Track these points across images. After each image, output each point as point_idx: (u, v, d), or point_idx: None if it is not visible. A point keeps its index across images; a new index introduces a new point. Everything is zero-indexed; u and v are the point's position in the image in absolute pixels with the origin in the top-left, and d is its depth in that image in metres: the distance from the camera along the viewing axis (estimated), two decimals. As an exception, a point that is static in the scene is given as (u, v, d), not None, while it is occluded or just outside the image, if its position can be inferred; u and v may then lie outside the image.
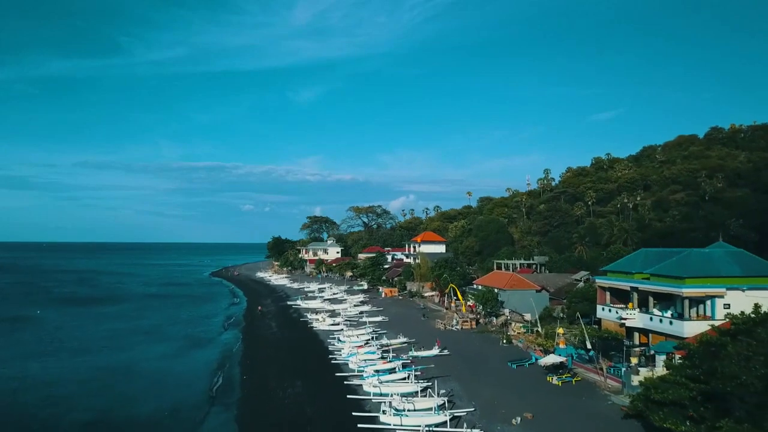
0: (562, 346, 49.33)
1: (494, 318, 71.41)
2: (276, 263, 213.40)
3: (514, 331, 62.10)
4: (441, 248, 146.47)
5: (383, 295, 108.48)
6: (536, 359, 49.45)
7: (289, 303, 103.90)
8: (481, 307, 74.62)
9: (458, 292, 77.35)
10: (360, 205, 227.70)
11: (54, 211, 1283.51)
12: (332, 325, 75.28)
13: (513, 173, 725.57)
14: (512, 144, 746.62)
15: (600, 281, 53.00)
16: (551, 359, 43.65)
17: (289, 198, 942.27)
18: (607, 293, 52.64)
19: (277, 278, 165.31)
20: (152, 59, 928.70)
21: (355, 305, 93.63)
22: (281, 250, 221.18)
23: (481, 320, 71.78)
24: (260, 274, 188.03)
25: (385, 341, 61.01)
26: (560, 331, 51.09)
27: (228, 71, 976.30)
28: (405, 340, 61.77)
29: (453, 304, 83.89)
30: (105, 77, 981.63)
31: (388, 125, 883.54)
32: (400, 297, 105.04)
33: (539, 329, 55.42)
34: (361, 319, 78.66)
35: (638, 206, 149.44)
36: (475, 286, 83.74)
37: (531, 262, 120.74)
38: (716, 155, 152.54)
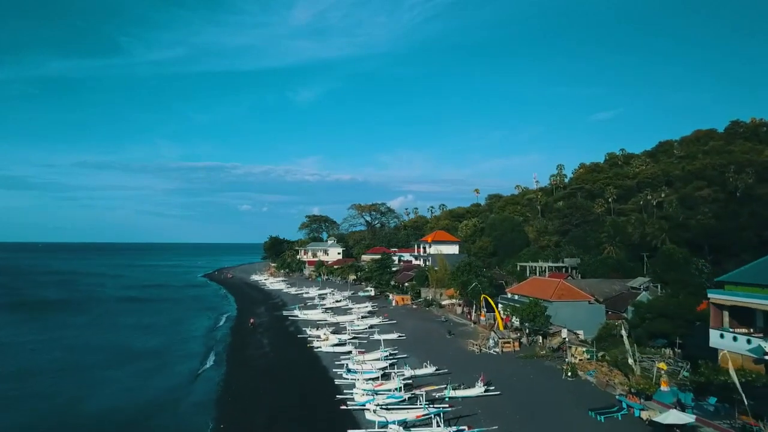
0: (664, 387, 34.97)
1: (541, 338, 56.99)
2: (273, 265, 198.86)
3: (575, 357, 47.65)
4: (454, 249, 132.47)
5: (394, 304, 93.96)
6: (629, 407, 35.12)
7: (285, 313, 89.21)
8: (518, 322, 60.46)
9: (494, 305, 62.88)
10: (361, 203, 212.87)
11: (53, 211, 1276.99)
12: (337, 345, 60.78)
13: (513, 173, 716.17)
14: (512, 144, 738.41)
15: (716, 296, 38.61)
16: (674, 417, 29.06)
17: (288, 198, 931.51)
18: (725, 313, 38.31)
19: (273, 282, 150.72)
20: (152, 59, 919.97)
21: (362, 316, 79.19)
22: (279, 251, 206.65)
23: (524, 340, 57.33)
24: (255, 277, 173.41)
25: (407, 371, 46.63)
26: (662, 366, 36.76)
27: (227, 71, 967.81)
28: (435, 370, 47.37)
29: (483, 317, 69.50)
30: (104, 77, 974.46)
31: (387, 125, 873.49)
32: (414, 306, 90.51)
33: (631, 362, 40.49)
34: (372, 336, 64.21)
35: (663, 203, 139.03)
36: (509, 296, 69.33)
37: (561, 264, 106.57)
38: (739, 150, 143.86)
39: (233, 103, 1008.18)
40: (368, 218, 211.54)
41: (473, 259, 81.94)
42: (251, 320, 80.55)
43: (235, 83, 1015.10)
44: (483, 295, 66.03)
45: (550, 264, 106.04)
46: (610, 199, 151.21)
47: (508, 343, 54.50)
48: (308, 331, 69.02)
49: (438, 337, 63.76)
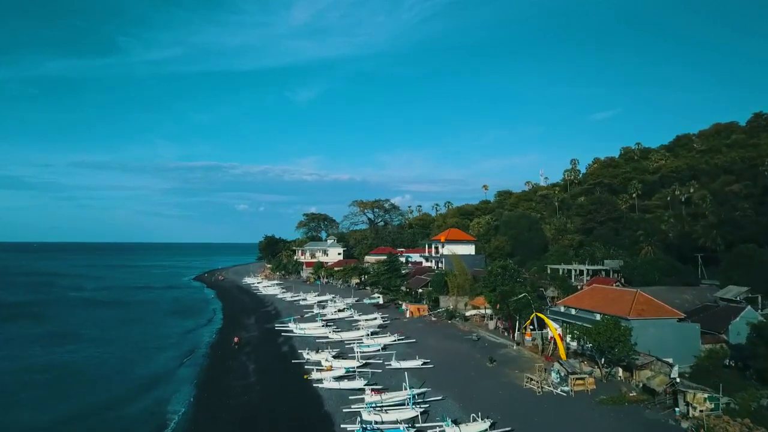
0: None
1: (621, 369, 42.05)
2: (268, 266, 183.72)
3: (695, 407, 32.61)
4: (470, 249, 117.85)
5: (408, 315, 78.73)
6: None
7: (277, 327, 73.88)
8: (575, 344, 45.70)
9: (551, 326, 47.84)
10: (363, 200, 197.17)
11: (50, 211, 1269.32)
12: (344, 377, 45.61)
13: (512, 173, 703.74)
14: (511, 144, 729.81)
15: None
16: None
17: (286, 198, 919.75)
18: None
19: (267, 285, 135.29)
20: (150, 59, 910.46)
21: (372, 333, 63.92)
22: (274, 251, 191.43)
23: (598, 373, 42.25)
24: (248, 280, 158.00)
25: (451, 429, 31.70)
26: None
27: (226, 71, 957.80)
28: (490, 426, 32.30)
29: (528, 336, 54.51)
30: (102, 77, 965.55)
31: (386, 125, 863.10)
32: (434, 318, 75.23)
33: None
34: (388, 363, 49.23)
35: (691, 199, 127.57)
36: (562, 309, 54.29)
37: (600, 267, 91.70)
38: (766, 143, 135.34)
39: (232, 103, 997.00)
40: (371, 216, 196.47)
41: (509, 262, 66.85)
42: (235, 339, 65.18)
43: (234, 83, 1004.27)
44: (537, 314, 50.68)
45: (588, 267, 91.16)
46: (634, 195, 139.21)
47: (582, 380, 39.43)
48: (305, 355, 53.98)
49: (476, 365, 48.61)
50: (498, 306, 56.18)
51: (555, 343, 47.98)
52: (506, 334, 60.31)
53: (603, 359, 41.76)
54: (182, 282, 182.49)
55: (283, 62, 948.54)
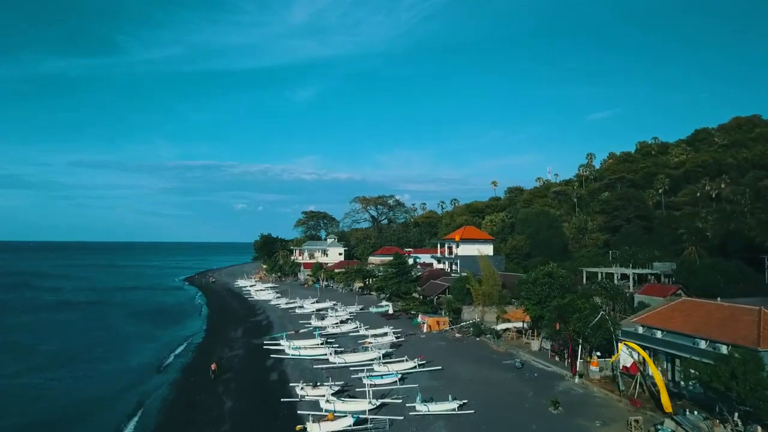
0: None
1: (759, 428, 28.71)
2: (263, 267, 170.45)
3: None
4: (488, 249, 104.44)
5: (425, 329, 65.16)
6: None
7: (266, 345, 60.06)
8: (680, 384, 32.25)
9: (648, 360, 34.23)
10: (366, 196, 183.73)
11: (49, 210, 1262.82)
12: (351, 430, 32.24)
13: (510, 172, 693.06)
14: (509, 143, 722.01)
15: None
16: None
17: (285, 197, 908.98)
18: None
19: (261, 289, 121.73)
20: (149, 58, 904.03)
21: (384, 356, 50.32)
22: (271, 251, 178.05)
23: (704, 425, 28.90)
24: (241, 282, 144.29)
25: None
26: None
27: (225, 70, 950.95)
28: None
29: (594, 366, 41.07)
30: (101, 76, 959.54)
31: (385, 124, 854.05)
32: (458, 334, 61.57)
33: None
34: (411, 406, 35.89)
35: (721, 194, 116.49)
36: (639, 330, 40.77)
37: (649, 271, 78.42)
38: None
39: (231, 102, 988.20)
40: (374, 213, 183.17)
41: (554, 267, 53.33)
42: (213, 366, 51.35)
43: (233, 82, 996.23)
44: (627, 343, 37.04)
45: (635, 270, 77.60)
46: (660, 190, 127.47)
47: (714, 449, 26.08)
48: (299, 390, 40.39)
49: (532, 410, 35.10)
50: (558, 326, 42.47)
51: (640, 381, 34.59)
52: (557, 358, 46.94)
53: (737, 413, 28.34)
54: (171, 284, 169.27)
55: (282, 61, 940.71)
